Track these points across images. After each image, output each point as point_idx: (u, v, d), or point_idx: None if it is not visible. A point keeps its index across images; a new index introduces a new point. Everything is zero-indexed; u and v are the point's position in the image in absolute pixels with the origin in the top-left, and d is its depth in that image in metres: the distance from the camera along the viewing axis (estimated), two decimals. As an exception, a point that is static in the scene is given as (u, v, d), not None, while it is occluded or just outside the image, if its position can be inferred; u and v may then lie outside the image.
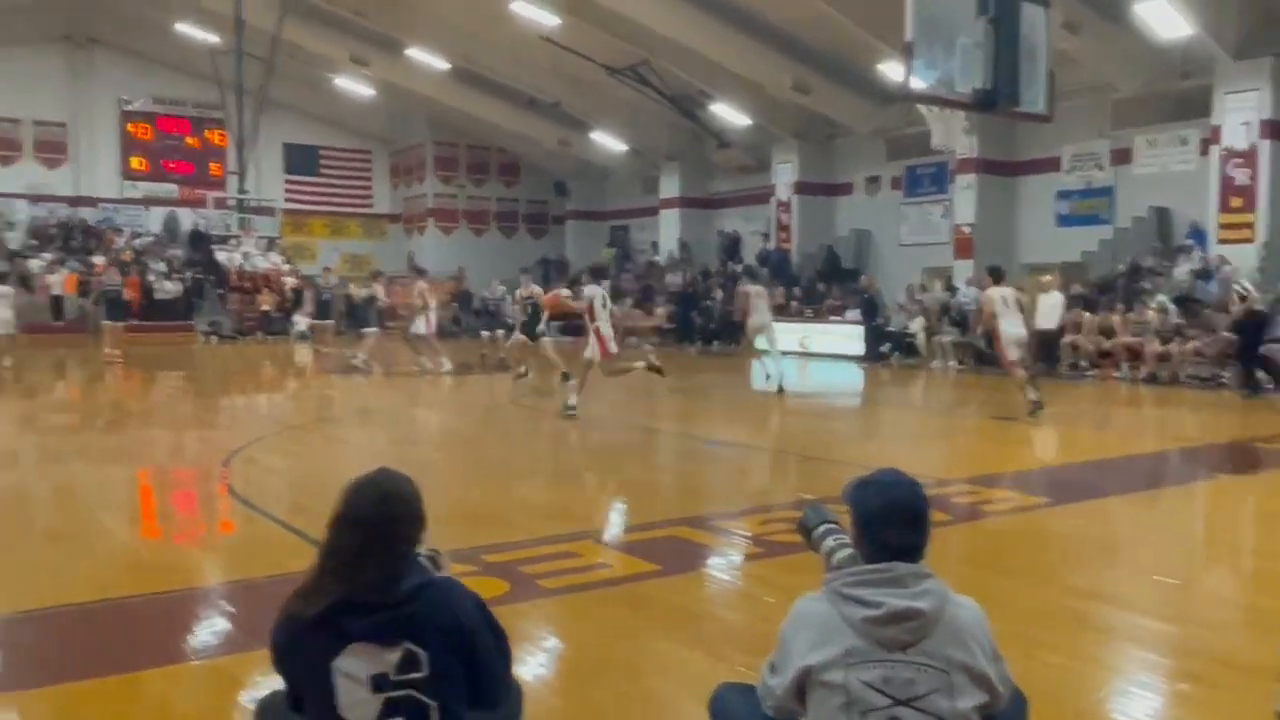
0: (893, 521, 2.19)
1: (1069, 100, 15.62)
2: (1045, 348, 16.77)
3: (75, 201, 28.99)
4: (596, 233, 31.96)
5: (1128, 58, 17.66)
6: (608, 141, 27.51)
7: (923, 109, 9.44)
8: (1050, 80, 9.09)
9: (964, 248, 20.59)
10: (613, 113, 25.92)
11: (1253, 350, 13.43)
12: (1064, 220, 20.25)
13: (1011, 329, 10.95)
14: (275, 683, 2.37)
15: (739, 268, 25.80)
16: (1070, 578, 5.08)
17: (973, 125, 16.77)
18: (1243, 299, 13.40)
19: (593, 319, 10.48)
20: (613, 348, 10.57)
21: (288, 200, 30.92)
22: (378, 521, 2.14)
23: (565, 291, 13.75)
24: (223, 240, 28.60)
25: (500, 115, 27.62)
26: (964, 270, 20.19)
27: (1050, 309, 16.67)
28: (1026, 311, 11.47)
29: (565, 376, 11.69)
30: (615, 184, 31.09)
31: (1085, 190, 19.95)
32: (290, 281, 27.52)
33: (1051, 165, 20.21)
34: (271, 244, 29.44)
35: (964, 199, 20.75)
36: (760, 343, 14.74)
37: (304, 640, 2.12)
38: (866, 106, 22.11)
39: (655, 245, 28.83)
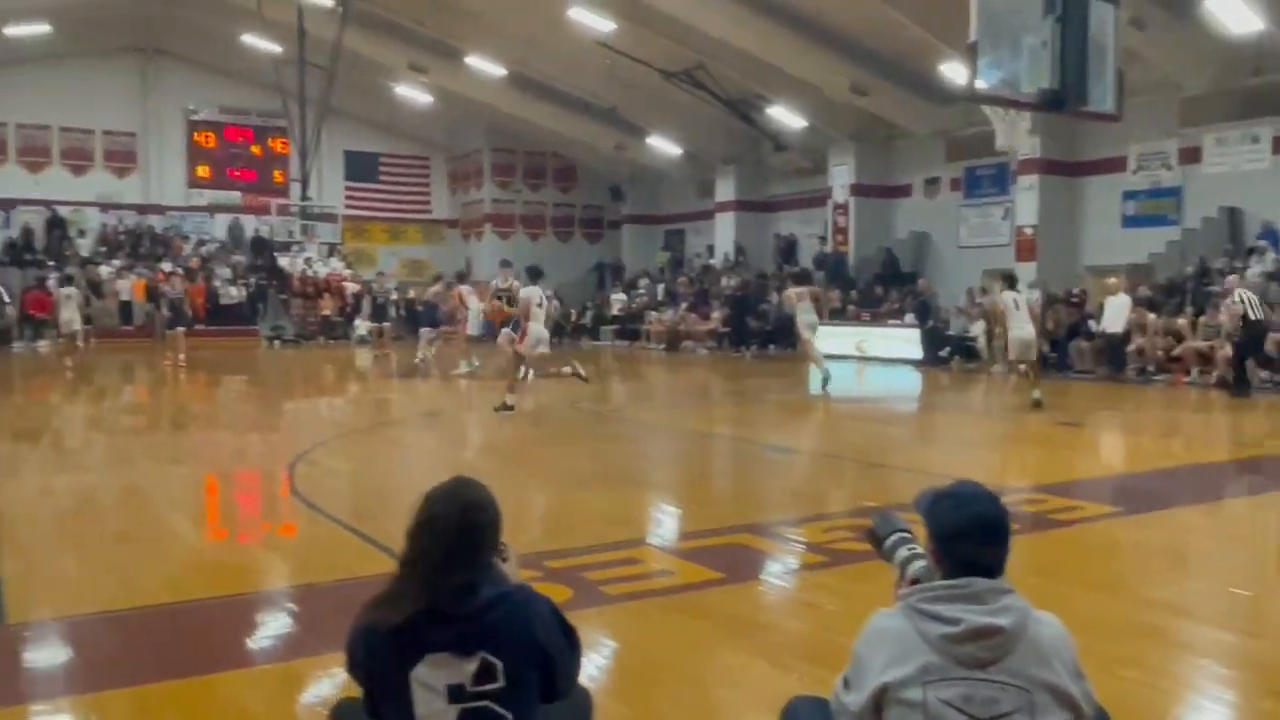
0: (972, 537, 2.12)
1: (1135, 98, 15.23)
2: (1111, 351, 16.43)
3: (144, 209, 29.74)
4: (652, 236, 32.01)
5: (1196, 54, 17.22)
6: (663, 145, 27.52)
7: (987, 110, 9.25)
8: (1119, 79, 8.89)
9: (1026, 250, 20.23)
10: (668, 117, 25.93)
11: (1245, 357, 13.83)
12: (1130, 221, 19.80)
13: (1018, 331, 11.87)
14: (347, 687, 2.39)
15: (796, 269, 25.62)
16: (1143, 589, 4.95)
17: (1035, 125, 16.49)
18: (1239, 304, 13.78)
19: (528, 317, 11.18)
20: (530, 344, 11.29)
21: (348, 206, 31.38)
22: (462, 531, 2.14)
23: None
24: (285, 246, 29.14)
25: (556, 121, 27.78)
26: (1027, 273, 19.84)
27: (1116, 312, 16.32)
28: (1036, 316, 12.59)
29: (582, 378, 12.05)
30: (670, 188, 31.09)
31: (1152, 190, 19.48)
32: (351, 287, 27.97)
33: (1117, 165, 19.78)
34: (333, 250, 29.92)
35: (1026, 200, 20.39)
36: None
37: (383, 649, 2.12)
38: (925, 107, 21.84)
39: (710, 249, 28.78)
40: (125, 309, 26.10)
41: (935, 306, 20.75)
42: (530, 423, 11.36)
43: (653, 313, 26.86)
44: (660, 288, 28.47)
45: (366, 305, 26.81)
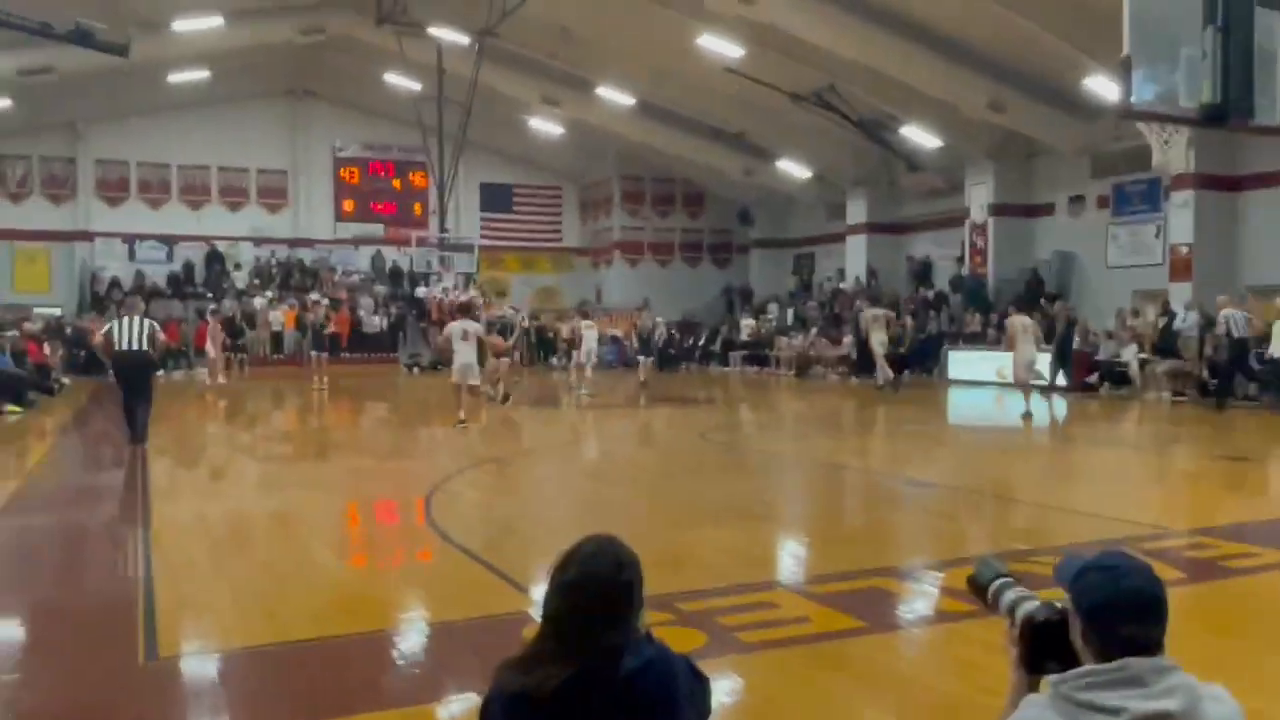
0: (1126, 614, 1.89)
1: (1303, 108, 14.23)
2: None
3: (294, 243, 31.21)
4: (780, 260, 31.73)
5: (1372, 58, 15.94)
6: (792, 168, 27.24)
7: (1141, 126, 8.73)
8: (1289, 89, 8.21)
9: (1181, 269, 19.09)
10: (797, 140, 25.67)
11: (1230, 374, 15.60)
12: (1297, 237, 18.46)
13: (1024, 353, 14.32)
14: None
15: (928, 293, 24.92)
16: (1338, 651, 4.45)
17: (1190, 138, 15.57)
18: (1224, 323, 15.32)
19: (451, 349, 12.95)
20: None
21: (484, 236, 32.13)
22: (616, 590, 2.03)
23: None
24: (425, 277, 30.04)
25: (685, 147, 27.86)
26: (1181, 293, 18.73)
27: (1285, 335, 15.24)
28: (1039, 340, 15.10)
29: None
30: (800, 211, 30.75)
31: (1322, 204, 18.14)
32: (484, 317, 28.57)
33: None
34: (469, 280, 30.72)
35: (1180, 217, 19.26)
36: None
37: (525, 716, 1.99)
38: (1068, 123, 20.94)
39: (841, 272, 28.26)
40: (277, 338, 27.33)
41: (1084, 330, 19.72)
42: (662, 453, 11.25)
43: (782, 338, 26.55)
44: (790, 313, 28.12)
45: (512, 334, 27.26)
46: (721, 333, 28.82)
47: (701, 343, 29.09)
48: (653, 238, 32.48)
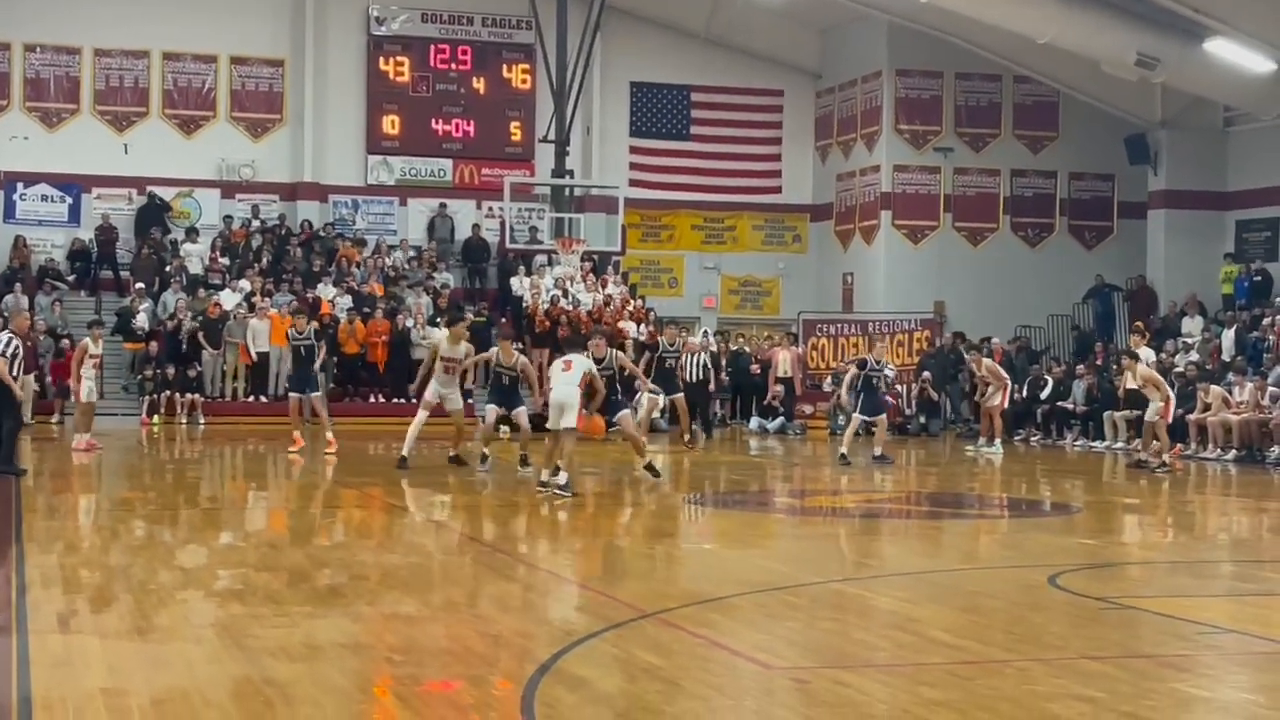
0: None
1: None
2: None
3: (292, 193, 31.70)
4: (1207, 233, 31.69)
5: None
6: (1237, 55, 26.99)
7: None
8: None
9: None
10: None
11: None
12: None
13: None
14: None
15: None
16: None
17: None
18: None
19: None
20: None
21: (635, 184, 31.94)
22: None
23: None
24: (525, 258, 29.93)
25: (1019, 15, 27.34)
26: None
27: None
28: None
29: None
30: (1249, 141, 30.43)
31: None
32: (634, 330, 27.87)
33: None
34: (606, 265, 30.17)
35: None
36: None
37: None
38: None
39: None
40: (261, 364, 27.18)
41: None
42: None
43: (1214, 388, 25.08)
44: (1229, 336, 27.28)
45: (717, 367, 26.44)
46: (1083, 373, 27.86)
47: (1046, 393, 27.98)
48: (957, 188, 32.02)
